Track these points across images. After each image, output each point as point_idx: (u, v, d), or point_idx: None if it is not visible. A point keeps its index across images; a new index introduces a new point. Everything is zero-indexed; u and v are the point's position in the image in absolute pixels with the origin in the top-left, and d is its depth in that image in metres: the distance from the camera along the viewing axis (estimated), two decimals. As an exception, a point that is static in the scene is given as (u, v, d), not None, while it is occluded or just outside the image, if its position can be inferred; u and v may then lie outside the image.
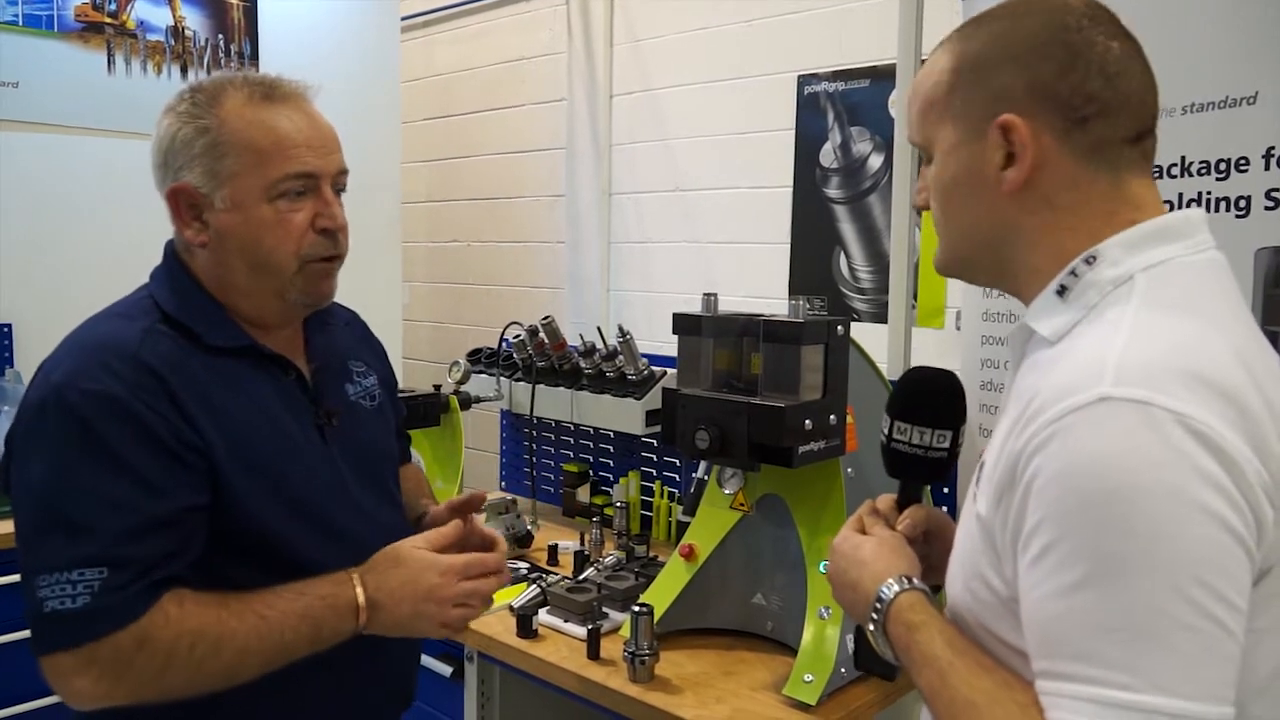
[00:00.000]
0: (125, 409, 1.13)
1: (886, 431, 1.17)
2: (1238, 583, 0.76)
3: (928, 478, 1.17)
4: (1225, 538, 0.76)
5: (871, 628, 1.02)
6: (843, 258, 2.85)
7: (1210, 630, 0.75)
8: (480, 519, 1.45)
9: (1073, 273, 0.92)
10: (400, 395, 1.71)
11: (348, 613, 1.21)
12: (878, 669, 1.17)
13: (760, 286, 3.03)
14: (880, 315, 2.69)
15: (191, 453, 1.16)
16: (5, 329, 2.75)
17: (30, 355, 2.74)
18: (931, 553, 1.11)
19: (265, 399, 1.27)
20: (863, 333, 1.84)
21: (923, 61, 2.20)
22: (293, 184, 1.23)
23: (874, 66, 2.73)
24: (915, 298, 2.52)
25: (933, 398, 1.16)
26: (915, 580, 1.02)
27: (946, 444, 1.14)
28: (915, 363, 2.18)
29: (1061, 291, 0.93)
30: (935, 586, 1.04)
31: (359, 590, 1.21)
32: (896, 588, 1.00)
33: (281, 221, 1.23)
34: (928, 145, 1.01)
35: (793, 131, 2.94)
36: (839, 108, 2.83)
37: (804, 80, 2.90)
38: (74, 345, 1.21)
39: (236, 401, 1.23)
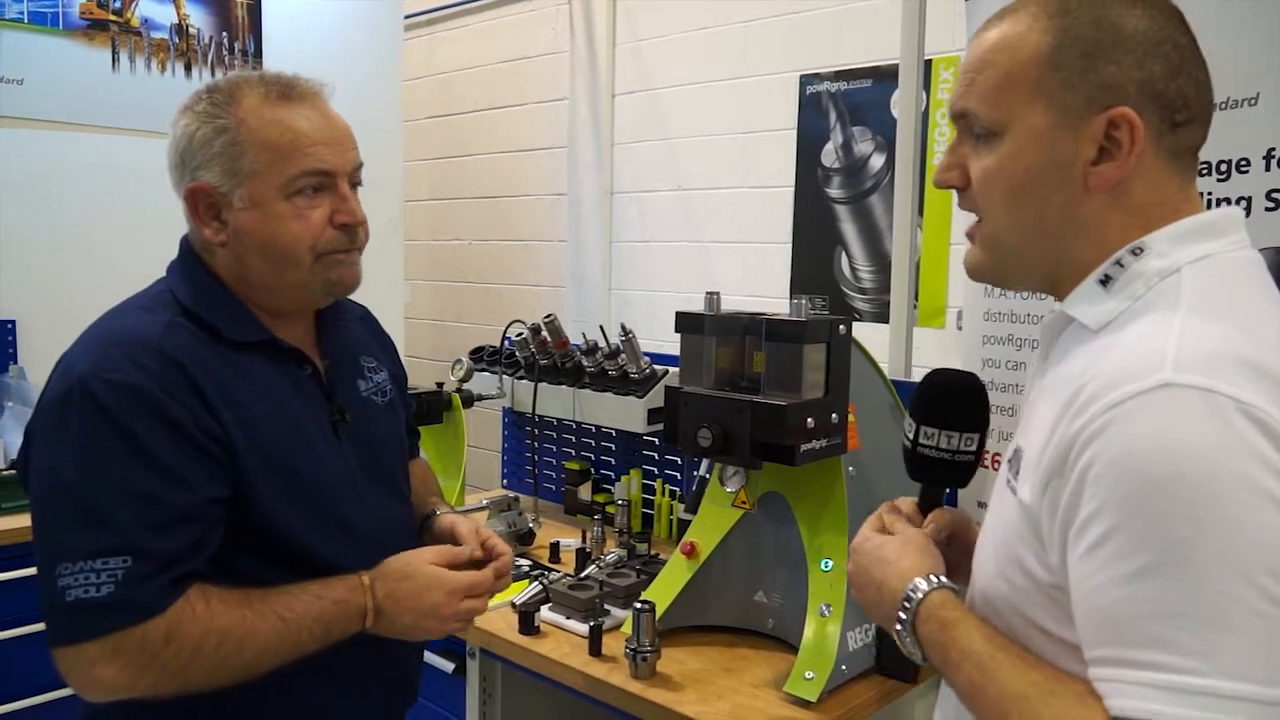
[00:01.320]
0: (150, 400, 1.14)
1: (912, 436, 1.16)
2: None
3: (954, 481, 1.16)
4: None
5: (899, 628, 1.00)
6: (844, 257, 2.86)
7: (1275, 615, 0.74)
8: (482, 518, 1.46)
9: (1118, 263, 0.91)
10: (406, 392, 1.72)
11: (357, 617, 1.25)
12: (900, 673, 1.17)
13: (762, 286, 3.04)
14: (881, 315, 2.70)
15: (214, 444, 1.17)
16: (9, 325, 2.76)
17: (34, 351, 2.75)
18: (952, 554, 1.11)
19: (282, 393, 1.28)
20: (864, 332, 1.84)
21: (926, 62, 2.22)
22: (309, 180, 1.24)
23: (876, 66, 2.74)
24: (916, 297, 2.53)
25: (960, 401, 1.15)
26: (943, 578, 1.00)
27: (974, 447, 1.13)
28: (916, 363, 2.19)
29: (1105, 281, 0.92)
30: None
31: (369, 599, 1.25)
32: (926, 586, 0.98)
33: (300, 217, 1.24)
34: (1000, 121, 0.93)
35: (794, 131, 2.95)
36: (841, 107, 2.84)
37: (806, 80, 2.91)
38: (96, 338, 1.21)
39: (255, 395, 1.24)
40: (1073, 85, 0.90)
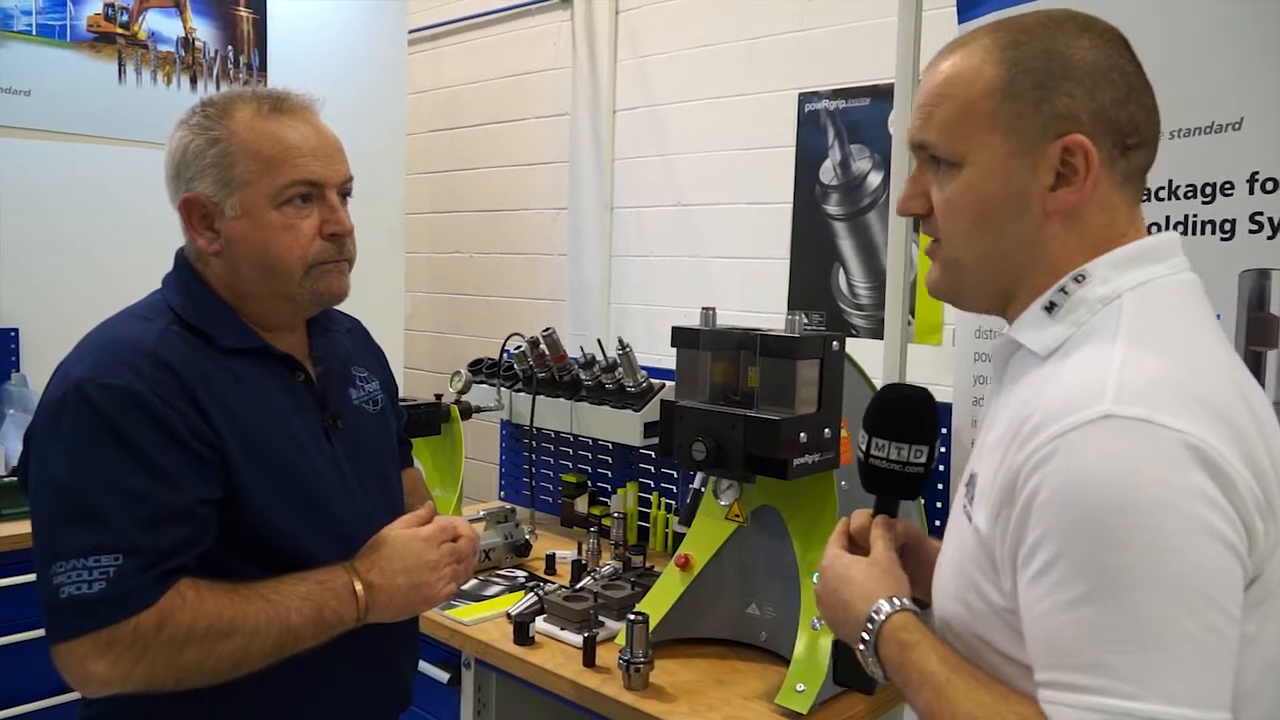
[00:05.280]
0: (143, 403, 1.16)
1: (864, 448, 1.20)
2: (1233, 593, 0.79)
3: (904, 493, 1.19)
4: (1221, 550, 0.78)
5: (862, 647, 1.02)
6: (841, 274, 2.88)
7: (1210, 640, 0.77)
8: (479, 528, 1.48)
9: (1062, 290, 0.94)
10: (401, 403, 1.74)
11: (346, 595, 1.25)
12: (856, 684, 1.19)
13: (760, 301, 3.06)
14: (878, 331, 2.71)
15: (206, 447, 1.20)
16: (12, 334, 2.78)
17: (36, 359, 2.77)
18: (908, 565, 1.13)
19: (275, 399, 1.30)
20: (861, 348, 1.86)
21: (920, 81, 2.24)
22: (298, 190, 1.27)
23: (874, 85, 2.77)
24: (912, 314, 2.54)
25: (909, 414, 1.18)
26: (905, 600, 1.02)
27: (923, 459, 1.16)
28: (912, 379, 2.21)
29: (1050, 308, 0.94)
30: (918, 601, 1.05)
31: (351, 574, 1.26)
32: (889, 608, 1.01)
33: (290, 227, 1.27)
34: (959, 153, 0.96)
35: (793, 148, 2.97)
36: (839, 125, 2.86)
37: (805, 98, 2.94)
38: (93, 344, 1.24)
39: (248, 401, 1.26)
40: (1027, 115, 0.93)
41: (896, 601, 1.01)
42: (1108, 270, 0.93)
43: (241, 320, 1.31)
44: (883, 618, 1.00)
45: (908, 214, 1.03)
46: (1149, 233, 0.98)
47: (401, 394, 1.77)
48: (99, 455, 1.14)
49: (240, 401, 1.25)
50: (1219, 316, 1.43)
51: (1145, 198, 1.52)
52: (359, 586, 1.26)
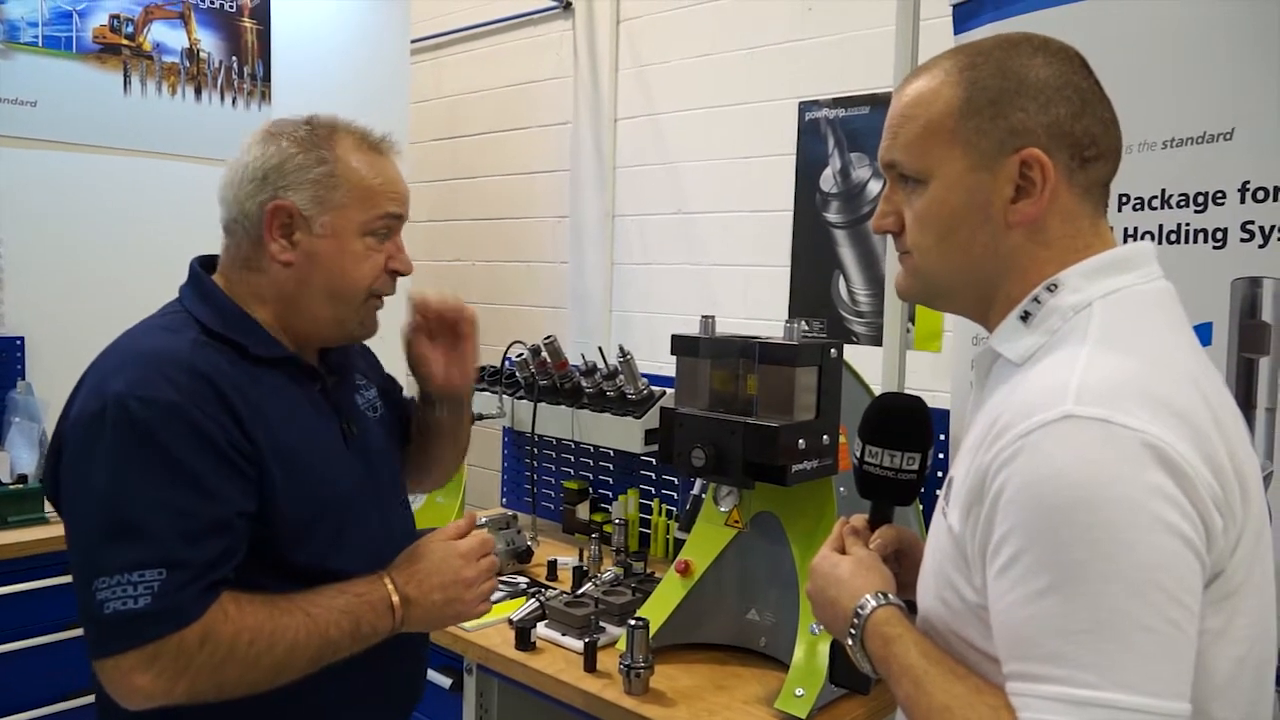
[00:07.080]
0: (184, 417, 1.17)
1: (859, 455, 1.22)
2: (1190, 587, 0.82)
3: (898, 499, 1.21)
4: (1178, 545, 0.81)
5: (850, 642, 1.06)
6: (841, 281, 2.90)
7: (1167, 631, 0.80)
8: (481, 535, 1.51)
9: (1035, 299, 0.97)
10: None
11: (383, 609, 1.28)
12: (851, 684, 1.21)
13: (761, 309, 3.07)
14: (878, 338, 2.73)
15: (243, 460, 1.21)
16: (18, 342, 2.80)
17: (41, 368, 2.79)
18: (901, 569, 1.16)
19: (301, 409, 1.33)
20: (861, 355, 1.88)
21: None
22: (384, 223, 1.34)
23: (873, 94, 2.79)
24: (912, 321, 2.56)
25: (902, 423, 1.21)
26: (890, 595, 1.06)
27: (915, 466, 1.19)
28: (911, 386, 2.23)
29: (1025, 317, 0.98)
30: (908, 602, 1.08)
31: (390, 587, 1.29)
32: (873, 603, 1.04)
33: (368, 256, 1.33)
34: (924, 169, 1.00)
35: (794, 156, 2.99)
36: (839, 134, 2.88)
37: (805, 106, 2.96)
38: (125, 357, 1.24)
39: (278, 410, 1.28)
40: (985, 131, 0.97)
41: (881, 596, 1.05)
42: (1079, 279, 0.96)
43: (267, 331, 1.32)
44: (867, 612, 1.04)
45: (881, 231, 1.07)
46: (1135, 241, 1.00)
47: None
48: (141, 469, 1.15)
49: (272, 412, 1.26)
50: (1211, 324, 1.47)
51: (1139, 207, 1.57)
52: (396, 600, 1.28)
